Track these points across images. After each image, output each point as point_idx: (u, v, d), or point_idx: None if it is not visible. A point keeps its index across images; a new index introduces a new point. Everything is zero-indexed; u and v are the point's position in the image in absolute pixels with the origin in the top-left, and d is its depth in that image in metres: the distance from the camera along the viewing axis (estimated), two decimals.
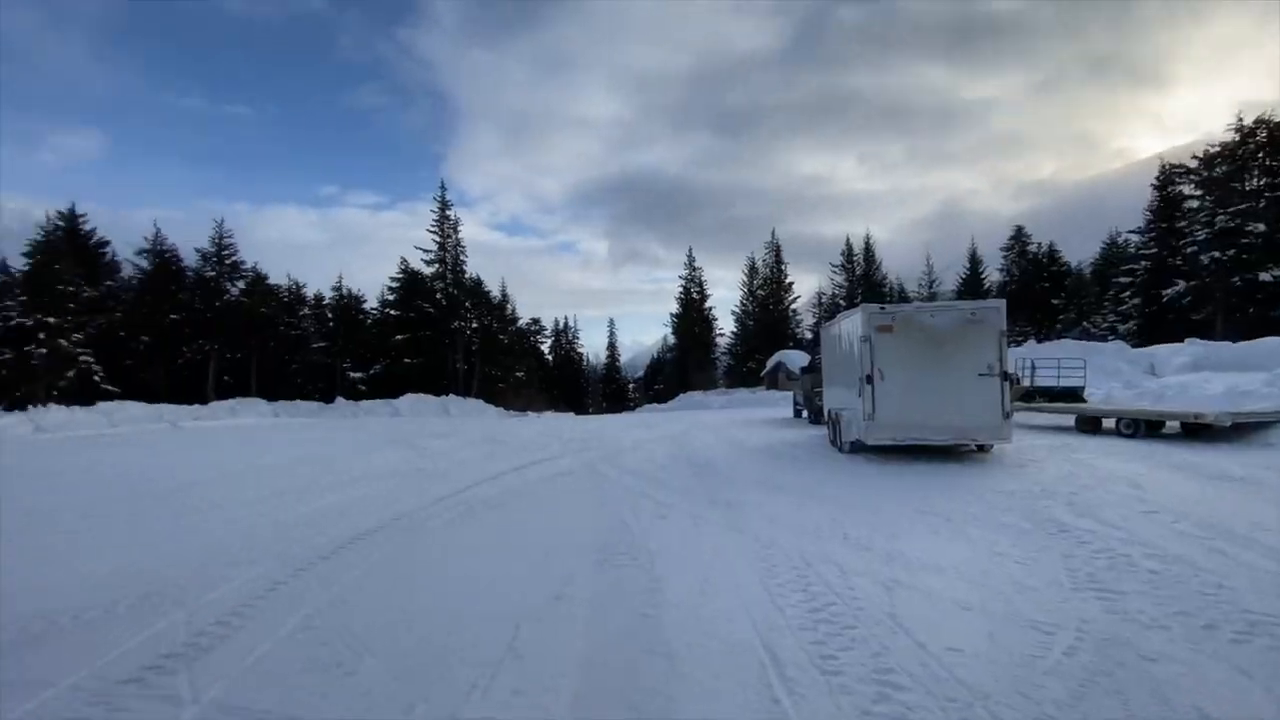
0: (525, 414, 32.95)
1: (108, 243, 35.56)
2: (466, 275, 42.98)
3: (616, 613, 3.70)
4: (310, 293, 41.47)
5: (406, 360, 38.88)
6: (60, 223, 33.21)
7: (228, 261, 36.94)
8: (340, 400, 33.29)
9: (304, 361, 38.87)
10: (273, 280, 38.86)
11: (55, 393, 25.95)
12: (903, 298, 48.32)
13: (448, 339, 40.54)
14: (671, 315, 54.74)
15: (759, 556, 4.72)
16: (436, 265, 41.66)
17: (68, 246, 31.77)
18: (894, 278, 53.26)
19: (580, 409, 47.91)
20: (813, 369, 17.74)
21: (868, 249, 52.35)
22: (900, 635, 3.26)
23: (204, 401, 29.65)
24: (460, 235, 42.66)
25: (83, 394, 26.86)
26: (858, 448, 9.79)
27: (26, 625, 3.55)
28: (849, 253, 52.37)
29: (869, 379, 8.97)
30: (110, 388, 28.87)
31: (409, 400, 32.05)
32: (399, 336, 39.42)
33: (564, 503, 7.19)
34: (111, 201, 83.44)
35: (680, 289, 54.01)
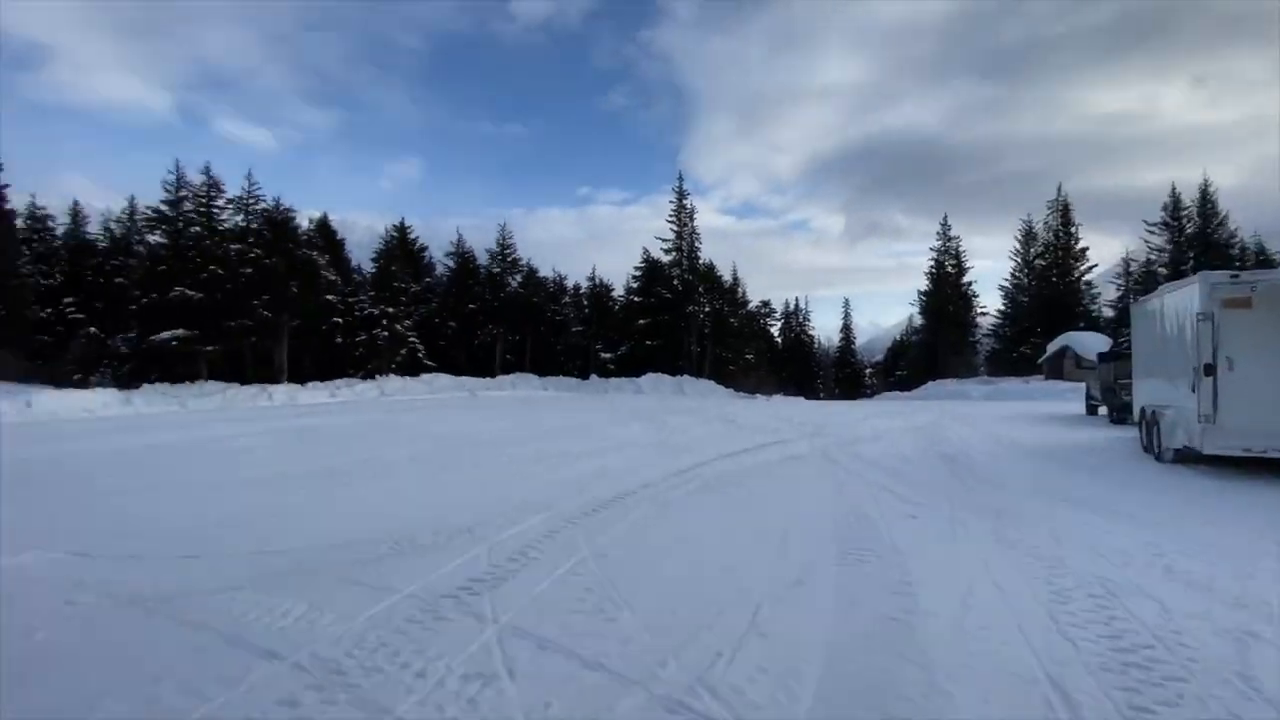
0: (754, 396, 32.98)
1: (426, 248, 44.93)
2: (700, 261, 44.38)
3: (863, 609, 3.49)
4: (570, 283, 47.33)
5: (648, 342, 41.85)
6: (394, 233, 42.86)
7: (509, 259, 43.83)
8: (594, 377, 37.40)
9: (565, 343, 44.50)
10: (542, 274, 45.16)
11: (393, 366, 33.85)
12: (1263, 262, 36.26)
13: (683, 322, 42.46)
14: (919, 293, 49.32)
15: (1041, 576, 4.02)
16: (674, 253, 43.79)
17: (400, 252, 40.89)
18: (1247, 236, 40.14)
19: (810, 394, 46.27)
20: (1116, 355, 14.42)
21: (1204, 199, 40.07)
22: (1259, 704, 2.48)
23: (492, 375, 35.96)
24: (695, 223, 44.12)
25: (411, 367, 34.62)
26: (1186, 456, 7.71)
27: (375, 547, 4.70)
28: (1174, 206, 40.71)
29: (1208, 369, 6.96)
30: (429, 363, 36.67)
31: (649, 379, 34.52)
32: (641, 321, 42.56)
33: (799, 487, 7.02)
34: (427, 214, 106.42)
35: (930, 262, 48.34)
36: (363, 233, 67.00)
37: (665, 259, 43.96)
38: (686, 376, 36.42)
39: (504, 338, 42.25)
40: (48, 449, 10.60)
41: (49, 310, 30.05)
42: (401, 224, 43.33)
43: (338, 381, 28.52)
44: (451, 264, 43.97)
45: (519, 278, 43.66)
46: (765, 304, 53.46)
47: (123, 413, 19.49)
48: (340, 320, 33.07)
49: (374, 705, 2.52)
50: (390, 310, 34.26)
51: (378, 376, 30.49)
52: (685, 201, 44.10)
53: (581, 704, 2.52)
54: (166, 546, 4.78)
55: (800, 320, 59.90)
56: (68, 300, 31.09)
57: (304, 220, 35.15)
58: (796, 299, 60.18)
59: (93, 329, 29.63)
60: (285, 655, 2.96)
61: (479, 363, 40.27)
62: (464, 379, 32.84)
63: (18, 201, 31.22)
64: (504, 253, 43.74)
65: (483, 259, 43.96)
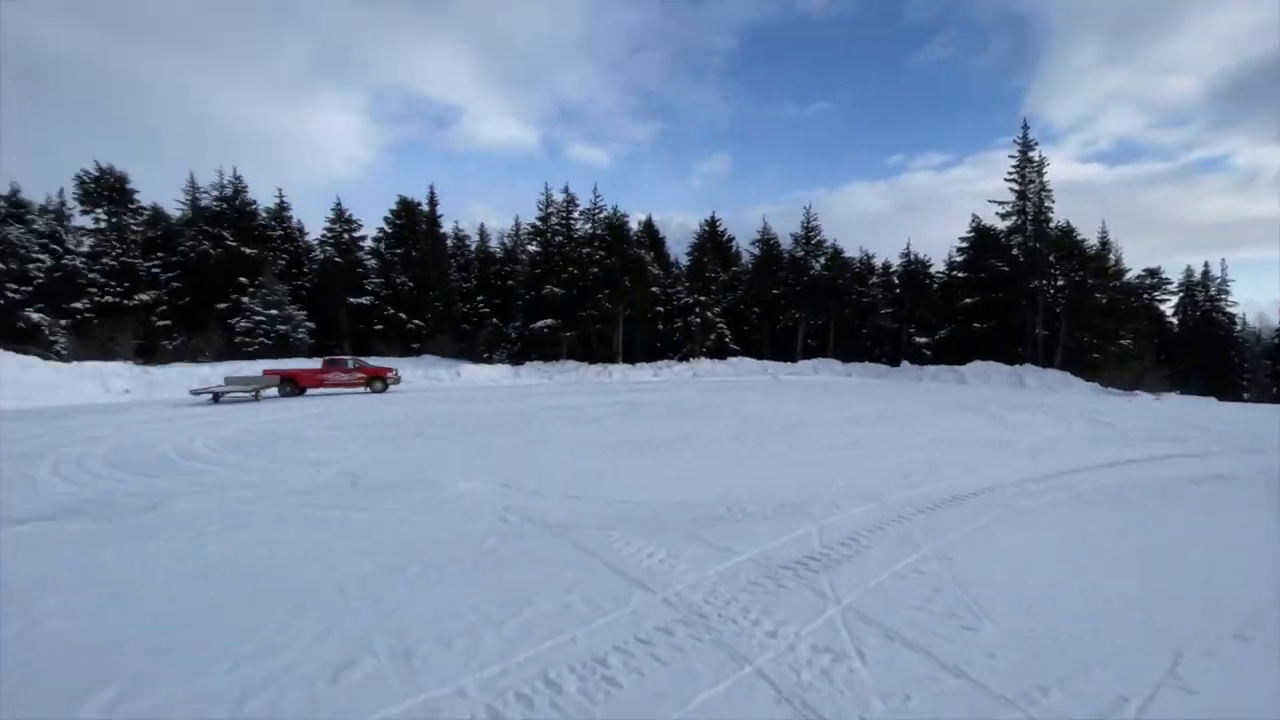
0: (1134, 393, 25.84)
1: (733, 239, 46.99)
2: (1051, 224, 36.41)
3: None
4: (879, 262, 44.11)
5: (974, 325, 36.41)
6: (705, 228, 45.84)
7: (813, 242, 42.98)
8: (905, 364, 34.32)
9: (873, 326, 41.70)
10: (847, 254, 43.11)
11: (704, 349, 36.46)
12: None
13: (1024, 300, 35.60)
14: None
15: None
16: (1014, 217, 36.87)
17: (710, 244, 43.61)
18: None
19: (1227, 393, 34.25)
20: None
21: None
22: None
23: (793, 359, 35.98)
24: (1044, 178, 36.32)
25: (719, 351, 36.86)
26: None
27: (711, 510, 5.13)
28: None
29: None
30: (734, 346, 38.53)
31: (976, 367, 30.10)
32: (966, 300, 37.18)
33: (1230, 516, 5.27)
34: (733, 206, 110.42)
35: None
36: (677, 229, 74.01)
37: (1001, 225, 37.39)
38: (1028, 366, 30.58)
39: (806, 321, 41.70)
40: (476, 406, 14.47)
41: (467, 306, 40.91)
42: (712, 218, 46.23)
43: (660, 362, 32.17)
44: (756, 251, 45.14)
45: (823, 259, 42.45)
46: (1151, 273, 41.37)
47: (514, 383, 25.40)
48: (661, 309, 37.03)
49: (734, 652, 2.80)
50: (702, 299, 36.98)
51: (691, 359, 33.38)
52: (1031, 153, 36.72)
53: (945, 707, 2.38)
54: (558, 487, 6.09)
55: (1210, 294, 44.64)
56: (479, 299, 41.78)
57: (633, 223, 40.26)
58: (1205, 265, 44.88)
59: (494, 320, 39.24)
60: (655, 590, 3.50)
61: (780, 347, 40.71)
62: (766, 363, 33.63)
63: (446, 227, 43.30)
64: (808, 235, 43.02)
65: (786, 244, 44.06)
